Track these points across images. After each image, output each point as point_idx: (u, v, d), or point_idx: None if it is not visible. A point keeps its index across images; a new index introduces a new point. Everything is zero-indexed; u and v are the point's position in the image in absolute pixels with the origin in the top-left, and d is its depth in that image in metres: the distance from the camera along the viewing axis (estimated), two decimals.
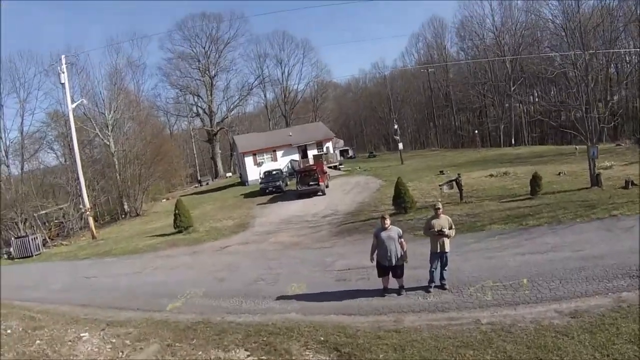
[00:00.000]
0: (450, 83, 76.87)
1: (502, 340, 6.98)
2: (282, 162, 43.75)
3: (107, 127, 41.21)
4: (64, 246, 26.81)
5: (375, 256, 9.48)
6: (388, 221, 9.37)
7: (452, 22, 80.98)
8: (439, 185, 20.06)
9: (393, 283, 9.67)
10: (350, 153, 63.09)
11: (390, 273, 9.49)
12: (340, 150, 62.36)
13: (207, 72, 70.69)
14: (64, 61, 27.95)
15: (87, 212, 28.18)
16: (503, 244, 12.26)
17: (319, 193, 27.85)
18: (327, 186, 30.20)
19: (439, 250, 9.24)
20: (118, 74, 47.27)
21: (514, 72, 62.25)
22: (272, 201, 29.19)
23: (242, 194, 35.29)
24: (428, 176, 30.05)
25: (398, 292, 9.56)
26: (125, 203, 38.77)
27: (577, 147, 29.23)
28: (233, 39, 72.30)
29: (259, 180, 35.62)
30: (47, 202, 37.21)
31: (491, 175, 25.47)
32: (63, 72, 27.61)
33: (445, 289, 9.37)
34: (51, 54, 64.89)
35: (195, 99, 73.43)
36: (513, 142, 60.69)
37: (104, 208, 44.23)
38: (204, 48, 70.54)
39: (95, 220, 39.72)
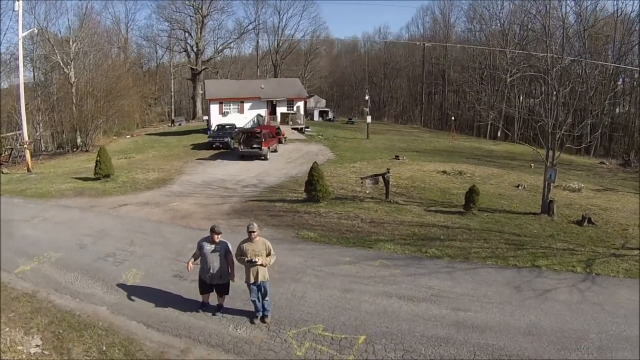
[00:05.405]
0: (448, 61, 74.05)
1: None
2: (249, 115, 41.89)
3: (70, 56, 39.01)
4: (2, 174, 25.90)
5: (194, 265, 8.30)
6: (217, 237, 8.03)
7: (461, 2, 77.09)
8: (361, 178, 18.30)
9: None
10: (330, 115, 61.03)
11: (214, 289, 8.38)
12: (319, 111, 60.49)
13: (200, 9, 67.02)
14: None
15: (25, 146, 27.20)
16: (377, 274, 10.12)
17: (261, 157, 26.64)
18: (274, 150, 28.92)
19: (253, 281, 7.86)
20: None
21: (513, 64, 59.44)
22: (212, 158, 27.88)
23: (192, 144, 33.90)
24: (382, 158, 28.77)
25: (214, 311, 8.41)
26: (79, 137, 37.41)
27: (532, 164, 25.98)
28: None
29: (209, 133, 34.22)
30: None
31: (444, 172, 23.45)
32: (18, 0, 25.69)
33: (265, 322, 8.04)
34: None
35: (186, 35, 70.24)
36: (499, 134, 58.81)
37: (62, 138, 42.68)
38: None
39: (55, 149, 38.56)
